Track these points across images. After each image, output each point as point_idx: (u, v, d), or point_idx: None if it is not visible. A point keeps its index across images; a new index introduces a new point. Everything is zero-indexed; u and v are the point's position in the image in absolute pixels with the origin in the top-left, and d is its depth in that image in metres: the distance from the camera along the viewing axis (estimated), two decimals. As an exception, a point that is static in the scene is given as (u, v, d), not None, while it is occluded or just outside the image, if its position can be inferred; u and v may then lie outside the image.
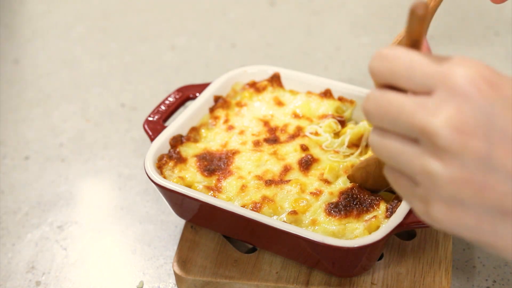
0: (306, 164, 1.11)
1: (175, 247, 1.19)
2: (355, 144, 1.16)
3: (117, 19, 1.80)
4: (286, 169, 1.12)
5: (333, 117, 1.20)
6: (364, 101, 0.73)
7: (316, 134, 1.17)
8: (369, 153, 1.17)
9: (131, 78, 1.60)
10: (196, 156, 1.15)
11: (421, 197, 0.69)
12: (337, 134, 1.18)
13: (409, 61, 0.68)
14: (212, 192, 1.09)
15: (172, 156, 1.14)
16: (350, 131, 1.16)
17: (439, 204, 0.67)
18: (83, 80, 1.60)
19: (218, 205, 1.04)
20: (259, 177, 1.10)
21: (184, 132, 1.19)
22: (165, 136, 1.16)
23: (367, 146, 1.16)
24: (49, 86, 1.59)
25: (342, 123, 1.20)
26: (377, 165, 1.03)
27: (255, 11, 1.79)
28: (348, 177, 1.08)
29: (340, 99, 1.24)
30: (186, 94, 1.26)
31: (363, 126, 1.16)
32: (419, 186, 0.68)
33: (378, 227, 1.01)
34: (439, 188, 0.66)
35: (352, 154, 1.14)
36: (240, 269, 1.09)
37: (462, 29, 1.67)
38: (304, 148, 1.14)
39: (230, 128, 1.20)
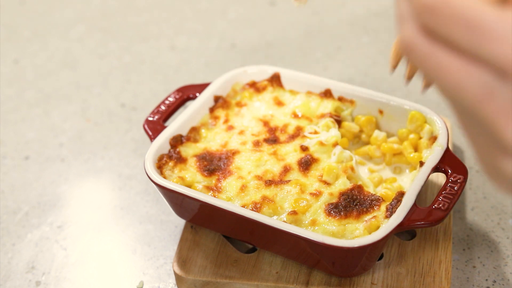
0: (306, 164, 1.12)
1: (175, 247, 1.19)
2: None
3: (117, 19, 1.80)
4: (286, 169, 1.12)
5: (331, 115, 1.20)
6: None
7: (315, 133, 1.17)
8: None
9: (131, 78, 1.60)
10: (196, 156, 1.15)
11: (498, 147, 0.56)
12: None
13: None
14: (212, 192, 1.09)
15: (172, 156, 1.14)
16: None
17: None
18: (83, 80, 1.60)
19: (218, 205, 1.04)
20: (259, 177, 1.10)
21: (184, 132, 1.19)
22: (165, 136, 1.16)
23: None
24: (49, 86, 1.59)
25: (339, 122, 1.21)
26: None
27: (255, 11, 1.79)
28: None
29: (340, 99, 1.24)
30: (186, 94, 1.26)
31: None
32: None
33: (378, 227, 1.01)
34: None
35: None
36: (240, 269, 1.09)
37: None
38: (304, 148, 1.14)
39: (230, 128, 1.20)
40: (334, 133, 1.15)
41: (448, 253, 1.09)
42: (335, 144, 1.14)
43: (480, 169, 1.30)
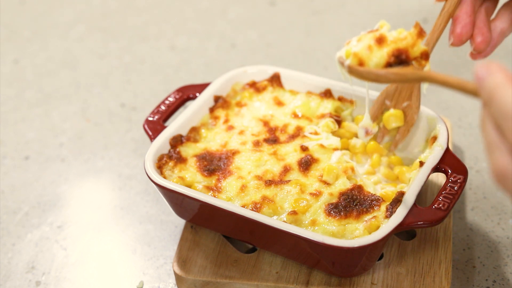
0: (306, 164, 1.12)
1: (175, 247, 1.19)
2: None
3: (117, 19, 1.80)
4: (286, 169, 1.12)
5: (331, 116, 1.20)
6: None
7: (316, 134, 1.17)
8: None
9: (131, 78, 1.60)
10: (196, 156, 1.15)
11: None
12: (334, 133, 1.19)
13: None
14: (212, 192, 1.09)
15: (172, 156, 1.14)
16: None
17: None
18: (83, 80, 1.60)
19: (218, 205, 1.04)
20: (259, 177, 1.10)
21: (184, 132, 1.19)
22: (165, 136, 1.16)
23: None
24: (49, 86, 1.59)
25: (339, 122, 1.21)
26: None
27: (255, 11, 1.79)
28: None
29: (340, 99, 1.24)
30: (186, 94, 1.26)
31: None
32: None
33: (378, 227, 1.01)
34: None
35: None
36: (240, 269, 1.09)
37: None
38: (304, 149, 1.14)
39: (230, 128, 1.20)
40: (333, 142, 1.15)
41: (448, 253, 1.09)
42: (335, 149, 1.15)
43: (480, 169, 1.30)
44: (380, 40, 0.98)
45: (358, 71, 0.97)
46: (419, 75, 0.93)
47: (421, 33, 0.99)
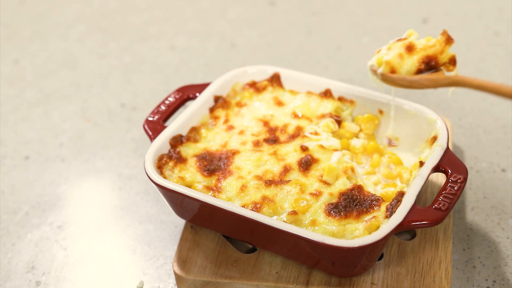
0: (306, 164, 1.12)
1: (175, 247, 1.19)
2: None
3: (117, 19, 1.80)
4: (286, 169, 1.12)
5: (331, 116, 1.20)
6: None
7: (316, 134, 1.17)
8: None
9: (131, 78, 1.60)
10: (196, 156, 1.15)
11: None
12: (334, 133, 1.19)
13: None
14: (212, 192, 1.09)
15: (172, 156, 1.14)
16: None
17: None
18: (83, 80, 1.60)
19: (218, 205, 1.04)
20: (259, 177, 1.10)
21: (184, 132, 1.19)
22: (165, 136, 1.16)
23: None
24: (49, 86, 1.59)
25: (339, 122, 1.21)
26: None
27: (255, 11, 1.79)
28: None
29: (340, 99, 1.24)
30: (186, 94, 1.26)
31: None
32: None
33: (378, 227, 1.01)
34: None
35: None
36: (240, 269, 1.09)
37: (462, 29, 1.67)
38: (304, 149, 1.14)
39: (230, 128, 1.20)
40: (333, 143, 1.15)
41: (448, 253, 1.09)
42: (335, 150, 1.15)
43: (480, 169, 1.30)
44: (410, 48, 1.05)
45: (391, 78, 1.04)
46: (453, 80, 0.99)
47: (448, 39, 1.05)
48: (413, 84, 1.03)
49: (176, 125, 1.18)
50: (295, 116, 1.22)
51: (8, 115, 1.51)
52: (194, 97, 1.26)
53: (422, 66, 1.04)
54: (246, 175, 1.11)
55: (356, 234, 1.01)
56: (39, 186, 1.34)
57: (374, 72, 1.07)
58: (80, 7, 1.85)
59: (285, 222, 1.03)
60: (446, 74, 1.05)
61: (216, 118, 1.22)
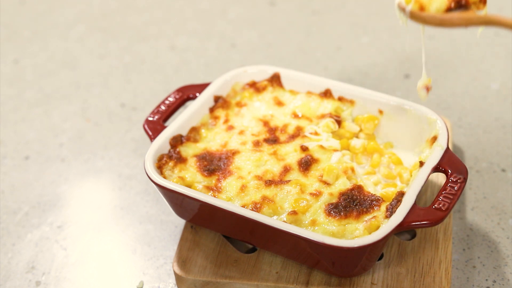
0: (306, 164, 1.12)
1: (175, 247, 1.19)
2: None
3: (117, 19, 1.80)
4: (286, 170, 1.12)
5: (331, 116, 1.20)
6: None
7: (316, 134, 1.17)
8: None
9: (131, 78, 1.60)
10: (196, 156, 1.15)
11: None
12: (334, 133, 1.19)
13: None
14: (212, 192, 1.09)
15: (172, 156, 1.14)
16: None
17: None
18: (83, 80, 1.60)
19: (218, 205, 1.04)
20: (259, 177, 1.10)
21: (184, 132, 1.19)
22: (165, 136, 1.16)
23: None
24: (49, 86, 1.59)
25: (339, 122, 1.21)
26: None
27: (255, 11, 1.79)
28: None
29: (340, 99, 1.24)
30: (186, 94, 1.26)
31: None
32: None
33: (378, 227, 1.01)
34: None
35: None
36: (240, 269, 1.10)
37: (462, 29, 1.67)
38: (304, 149, 1.14)
39: (230, 128, 1.20)
40: (333, 144, 1.15)
41: (448, 253, 1.09)
42: (335, 150, 1.15)
43: (480, 169, 1.30)
44: None
45: (421, 16, 0.99)
46: (486, 19, 0.94)
47: None
48: (444, 22, 0.98)
49: (176, 125, 1.18)
50: (295, 116, 1.22)
51: (8, 115, 1.51)
52: (194, 97, 1.26)
53: (452, 4, 0.99)
54: (246, 175, 1.11)
55: (356, 234, 1.01)
56: (39, 186, 1.34)
57: (402, 9, 1.02)
58: (80, 7, 1.85)
59: (285, 222, 1.03)
60: (477, 13, 1.00)
61: (216, 118, 1.22)
